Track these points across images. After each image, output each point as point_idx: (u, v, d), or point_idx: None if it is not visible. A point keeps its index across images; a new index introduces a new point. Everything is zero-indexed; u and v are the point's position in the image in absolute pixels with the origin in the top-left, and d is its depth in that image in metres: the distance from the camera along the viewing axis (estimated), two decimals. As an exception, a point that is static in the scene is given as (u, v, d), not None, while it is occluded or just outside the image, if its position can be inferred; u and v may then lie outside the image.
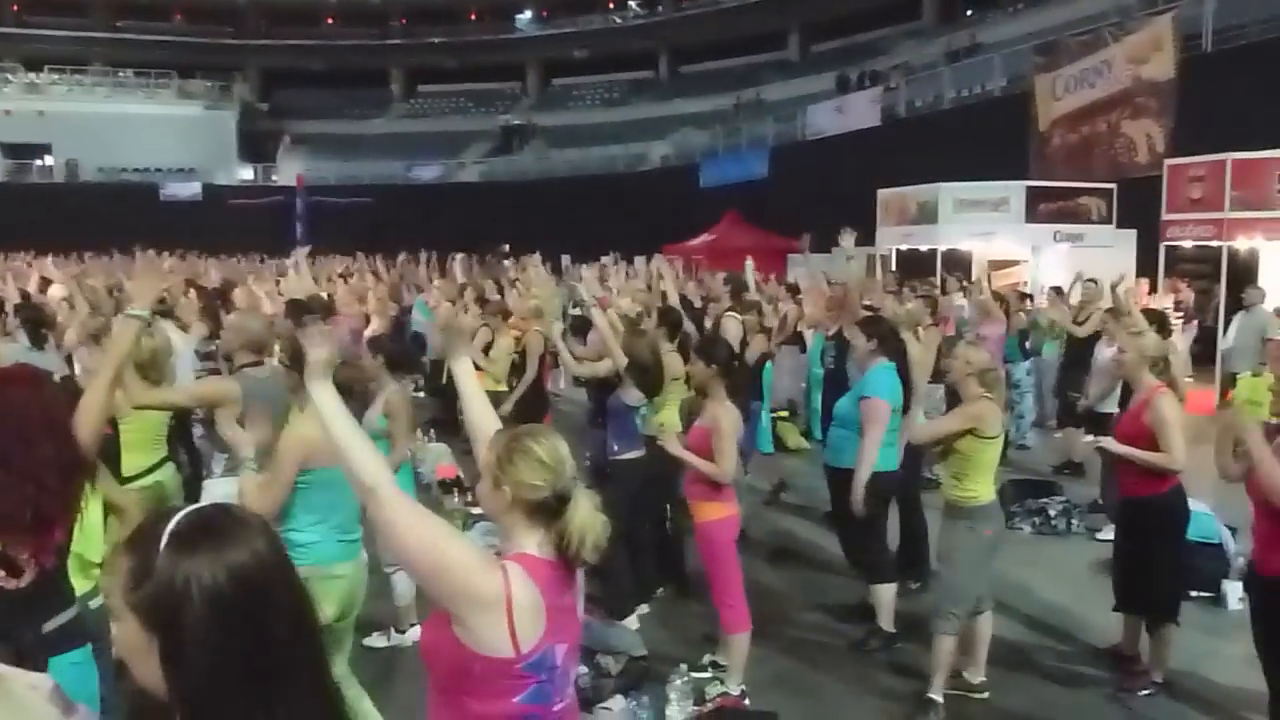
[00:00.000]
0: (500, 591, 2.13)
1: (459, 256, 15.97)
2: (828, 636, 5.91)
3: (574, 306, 11.58)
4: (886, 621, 5.70)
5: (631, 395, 5.85)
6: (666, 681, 4.90)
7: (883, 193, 18.69)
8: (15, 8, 48.45)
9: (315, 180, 41.65)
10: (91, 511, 3.89)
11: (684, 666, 5.02)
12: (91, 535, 3.92)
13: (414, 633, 5.76)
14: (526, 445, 2.32)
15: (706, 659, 5.30)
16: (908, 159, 20.61)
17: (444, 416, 11.34)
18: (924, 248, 17.25)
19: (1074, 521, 7.92)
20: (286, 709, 1.43)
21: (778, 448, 9.59)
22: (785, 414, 10.92)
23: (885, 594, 5.72)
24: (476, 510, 8.29)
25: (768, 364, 8.05)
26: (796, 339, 10.45)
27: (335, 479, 3.95)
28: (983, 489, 4.80)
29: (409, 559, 2.18)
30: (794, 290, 12.46)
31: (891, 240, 18.10)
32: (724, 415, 4.85)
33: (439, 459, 8.84)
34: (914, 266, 16.62)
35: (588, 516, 2.28)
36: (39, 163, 43.95)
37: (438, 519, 2.25)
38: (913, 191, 17.78)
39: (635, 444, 5.96)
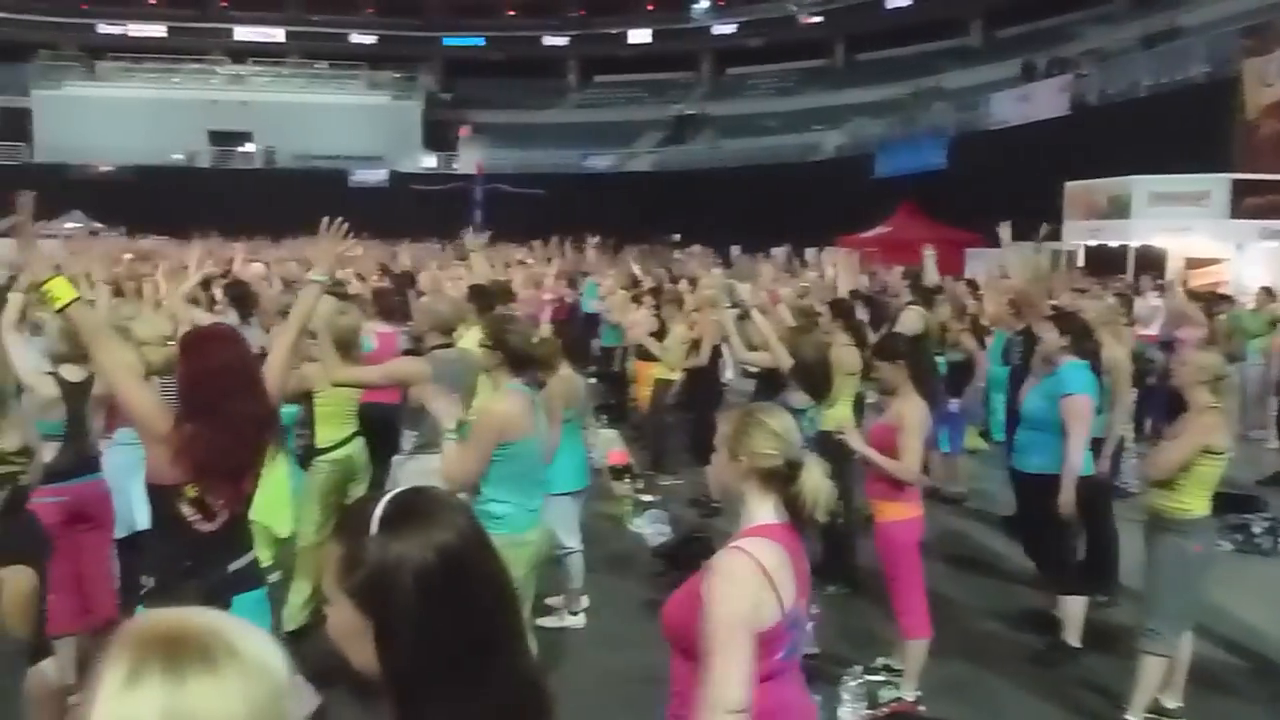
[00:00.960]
0: (751, 564, 2.35)
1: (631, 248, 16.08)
2: (1007, 646, 5.68)
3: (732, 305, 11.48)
4: (1073, 636, 5.41)
5: (796, 398, 5.62)
6: (838, 682, 4.79)
7: (1070, 185, 17.88)
8: (223, 4, 51.54)
9: (493, 169, 42.77)
10: (276, 480, 4.07)
11: (857, 668, 4.91)
12: (277, 505, 4.08)
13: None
14: (759, 419, 2.55)
15: (880, 662, 5.16)
16: (1098, 150, 19.62)
17: (614, 402, 11.48)
18: (1114, 244, 16.43)
19: (1280, 540, 7.37)
20: (493, 682, 1.45)
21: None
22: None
23: (1074, 606, 5.43)
24: (646, 497, 8.36)
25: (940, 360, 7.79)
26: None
27: (524, 451, 4.06)
28: (1198, 503, 4.46)
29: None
30: (972, 286, 12.03)
31: (1079, 235, 17.30)
32: (910, 412, 4.69)
33: (610, 444, 8.91)
34: (1103, 264, 15.83)
35: (819, 481, 2.49)
36: (240, 149, 46.55)
37: None
38: (1103, 184, 16.95)
39: None
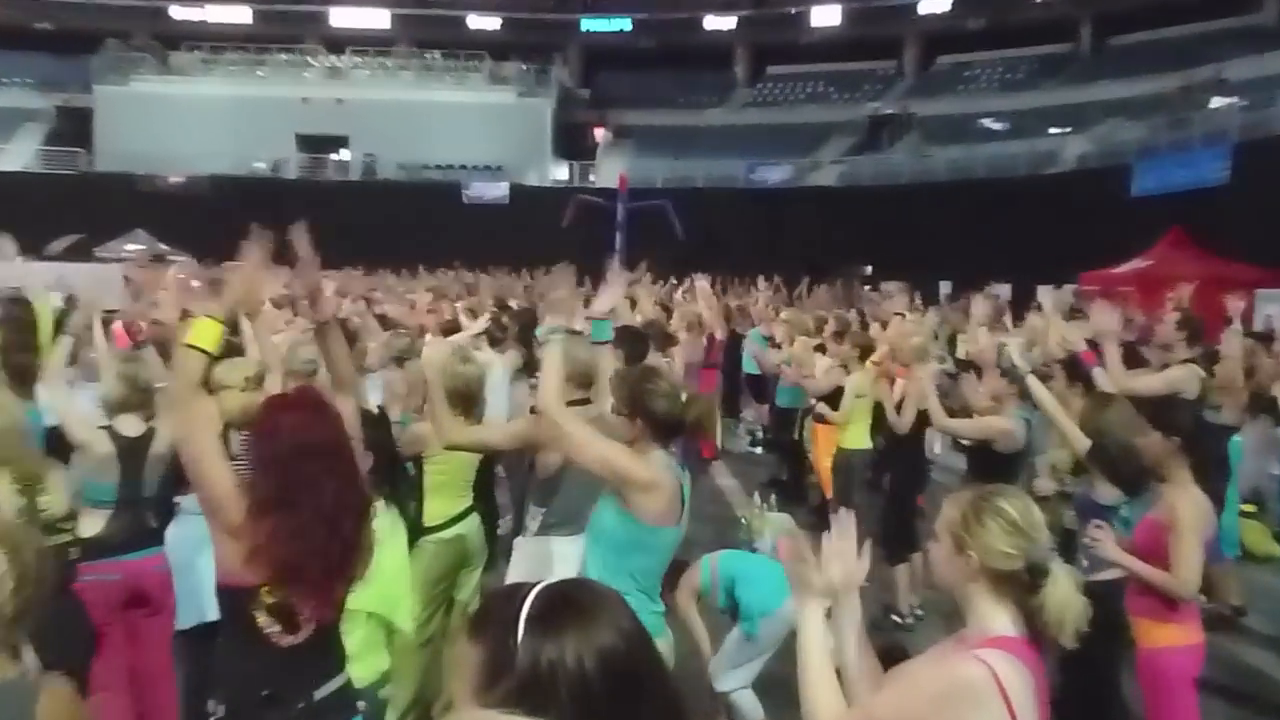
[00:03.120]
0: (990, 680, 2.33)
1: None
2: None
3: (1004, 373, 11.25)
4: None
5: (1104, 492, 5.10)
6: None
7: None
8: (318, -17, 54.04)
9: (641, 182, 43.05)
10: (394, 557, 4.12)
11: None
12: (396, 590, 4.14)
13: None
14: (998, 505, 2.49)
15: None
16: None
17: (786, 478, 11.40)
18: None
19: None
20: None
21: (1240, 553, 8.90)
22: (1251, 508, 10.09)
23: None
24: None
25: (1234, 439, 7.47)
26: (1269, 407, 9.67)
27: (662, 544, 4.03)
28: None
29: None
30: (1264, 340, 11.56)
31: None
32: (1186, 506, 4.48)
33: (781, 531, 8.82)
34: None
35: (1068, 594, 2.41)
36: (334, 157, 48.30)
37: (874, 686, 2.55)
38: None
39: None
